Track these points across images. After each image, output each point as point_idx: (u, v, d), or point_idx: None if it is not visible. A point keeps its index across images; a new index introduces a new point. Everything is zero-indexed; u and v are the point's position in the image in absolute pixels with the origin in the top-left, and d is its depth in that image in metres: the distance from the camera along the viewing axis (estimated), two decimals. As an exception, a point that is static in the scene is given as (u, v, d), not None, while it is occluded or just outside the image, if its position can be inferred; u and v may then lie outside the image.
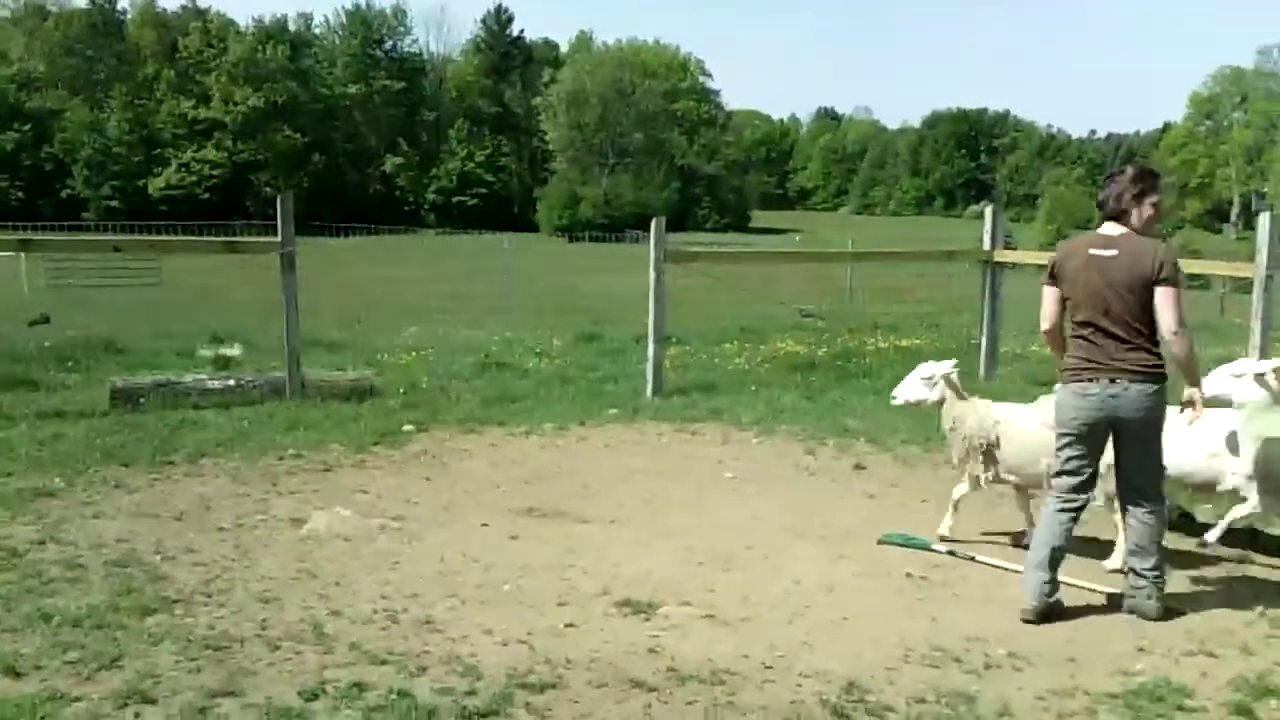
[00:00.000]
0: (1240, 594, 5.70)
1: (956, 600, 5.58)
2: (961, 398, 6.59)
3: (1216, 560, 6.22)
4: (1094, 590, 5.67)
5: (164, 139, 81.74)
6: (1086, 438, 5.30)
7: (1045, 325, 5.67)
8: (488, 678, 4.45)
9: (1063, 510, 5.35)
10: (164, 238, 36.77)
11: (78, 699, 4.17)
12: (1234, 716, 4.31)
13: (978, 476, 6.46)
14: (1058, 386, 5.47)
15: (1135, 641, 5.04)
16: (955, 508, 6.54)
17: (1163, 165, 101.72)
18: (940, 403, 6.58)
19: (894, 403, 6.82)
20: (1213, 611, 5.44)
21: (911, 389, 6.67)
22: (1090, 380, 5.23)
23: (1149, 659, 4.85)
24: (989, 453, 6.38)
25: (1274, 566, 6.13)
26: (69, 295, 23.49)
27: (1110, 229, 5.35)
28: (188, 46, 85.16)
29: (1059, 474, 5.40)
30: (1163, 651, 4.94)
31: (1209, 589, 5.78)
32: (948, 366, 6.64)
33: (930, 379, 6.61)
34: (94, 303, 20.57)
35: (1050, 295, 5.58)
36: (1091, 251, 5.30)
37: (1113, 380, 5.19)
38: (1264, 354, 9.51)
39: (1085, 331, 5.32)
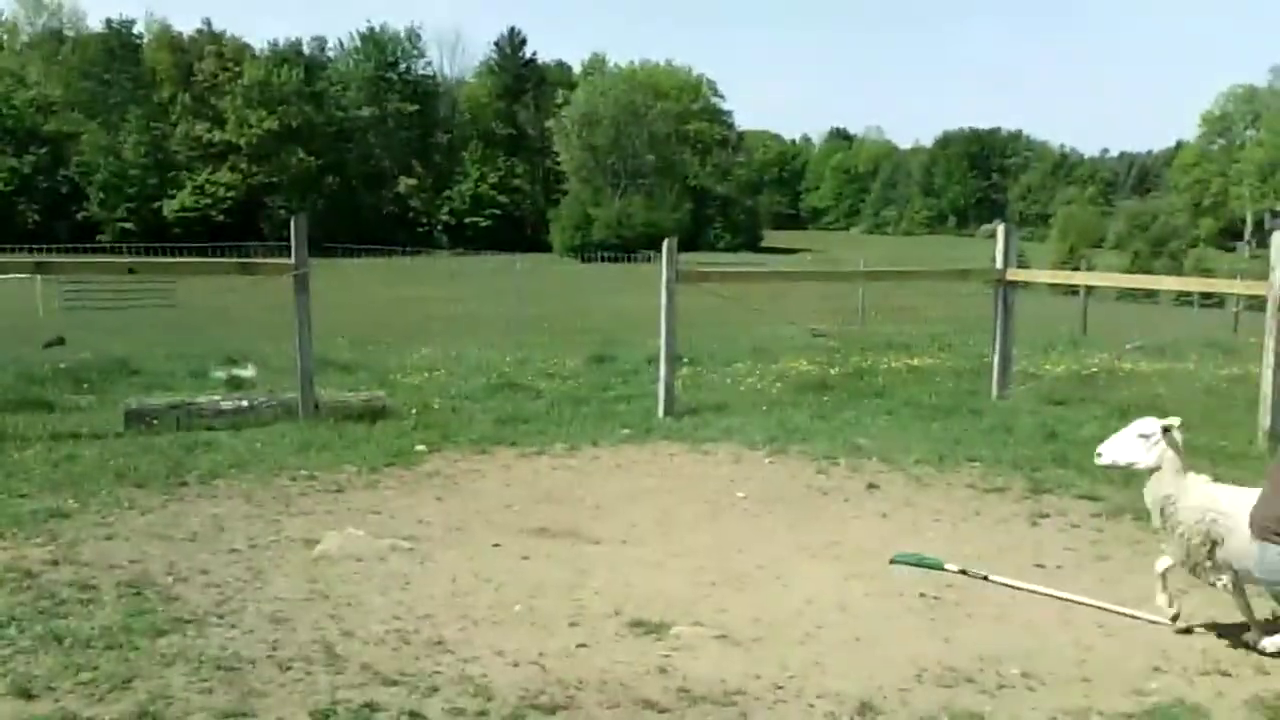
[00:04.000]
0: (1256, 614, 5.65)
1: (969, 620, 5.55)
2: (1180, 471, 5.39)
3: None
4: (1113, 610, 5.64)
5: (179, 161, 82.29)
6: None
7: None
8: (499, 698, 4.45)
9: None
10: (178, 259, 36.95)
11: (90, 720, 4.18)
12: (1250, 737, 4.28)
13: (1196, 565, 5.28)
14: None
15: (1150, 661, 5.01)
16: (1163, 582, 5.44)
17: (1175, 184, 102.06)
18: (1154, 470, 5.39)
19: (1099, 461, 5.58)
20: (1229, 631, 5.41)
21: (1124, 448, 5.46)
22: None
23: (1164, 679, 4.83)
24: (1211, 549, 5.22)
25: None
26: (83, 317, 23.61)
27: None
28: (203, 70, 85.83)
29: None
30: (1178, 671, 4.92)
31: (1225, 609, 5.74)
32: (1172, 423, 5.42)
33: (1149, 437, 5.40)
34: (108, 324, 20.66)
35: None
36: None
37: None
38: (1278, 375, 9.47)
39: None
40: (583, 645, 5.08)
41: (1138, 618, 5.54)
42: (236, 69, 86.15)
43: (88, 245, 60.38)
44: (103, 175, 78.06)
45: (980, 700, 4.57)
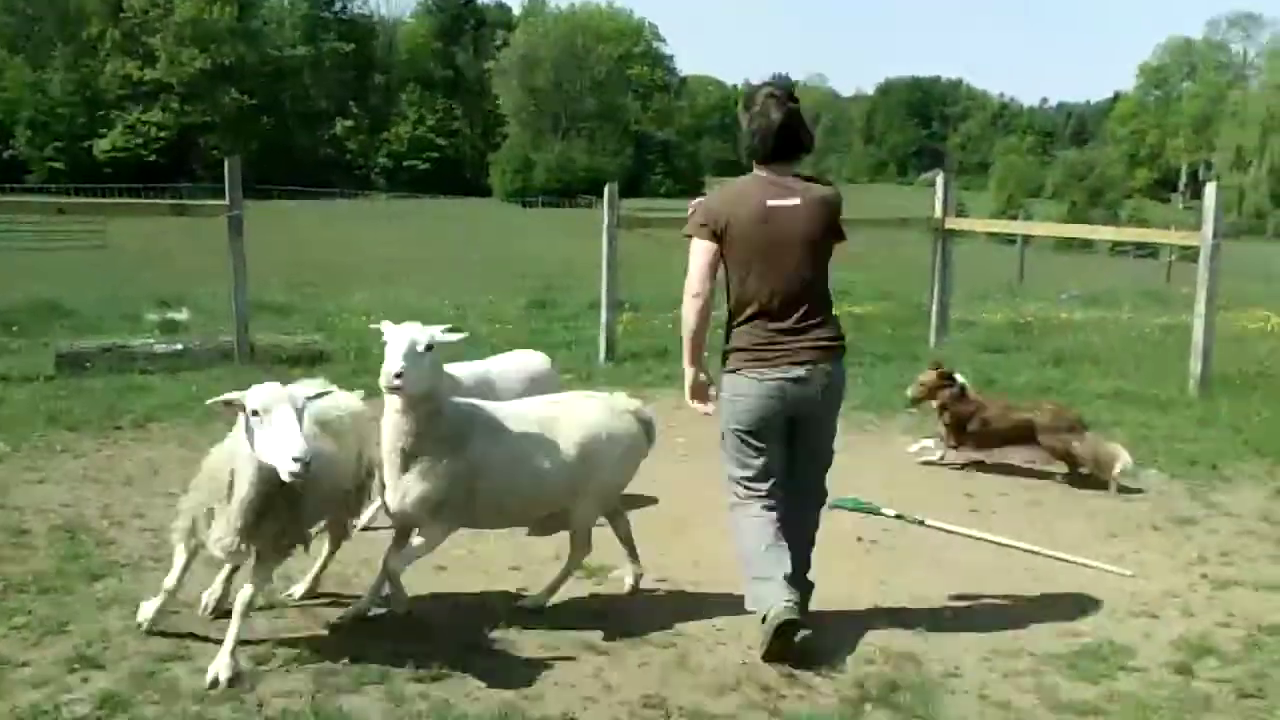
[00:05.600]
0: (1182, 557, 5.80)
1: (905, 564, 5.64)
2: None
3: (1160, 524, 6.33)
4: (1045, 554, 5.75)
5: (109, 100, 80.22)
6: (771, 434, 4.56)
7: (700, 288, 4.56)
8: (440, 641, 4.45)
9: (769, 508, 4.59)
10: (109, 200, 36.19)
11: (25, 664, 4.15)
12: (1175, 675, 4.40)
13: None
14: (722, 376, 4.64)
15: (1080, 604, 5.12)
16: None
17: (1114, 135, 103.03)
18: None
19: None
20: (1155, 574, 5.54)
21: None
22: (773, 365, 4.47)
23: (1093, 620, 4.94)
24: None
25: (1213, 530, 6.24)
26: (11, 259, 23.07)
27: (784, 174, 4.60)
28: (133, 6, 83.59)
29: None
30: (1107, 613, 5.03)
31: (1152, 553, 5.88)
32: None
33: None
34: (37, 266, 20.23)
35: (708, 251, 4.56)
36: (771, 203, 4.51)
37: (802, 364, 4.47)
38: (1209, 324, 9.64)
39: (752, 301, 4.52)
40: (523, 589, 5.10)
41: (1069, 561, 5.66)
42: (168, 5, 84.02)
43: (15, 185, 58.95)
44: (29, 113, 76.00)
45: (915, 642, 4.65)
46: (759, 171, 4.59)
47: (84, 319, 12.64)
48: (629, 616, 4.82)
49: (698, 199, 4.78)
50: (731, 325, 4.60)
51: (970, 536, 6.04)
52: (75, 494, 6.30)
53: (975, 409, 7.46)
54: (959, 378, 7.65)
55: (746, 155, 4.64)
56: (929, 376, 7.72)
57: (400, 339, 4.35)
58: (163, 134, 79.35)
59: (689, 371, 4.64)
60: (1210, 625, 4.89)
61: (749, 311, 4.51)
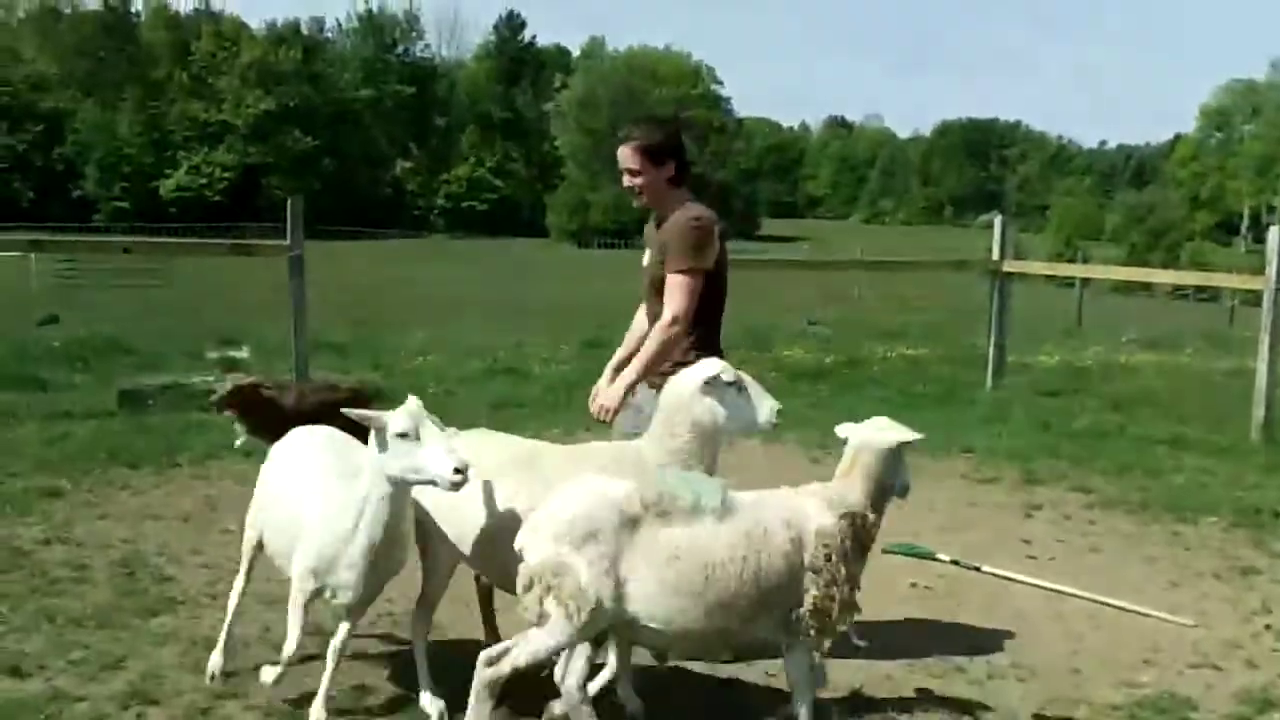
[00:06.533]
0: (1245, 607, 5.68)
1: (960, 610, 5.57)
2: None
3: (1222, 573, 6.21)
4: (1104, 602, 5.66)
5: (175, 141, 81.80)
6: None
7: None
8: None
9: None
10: (174, 239, 36.82)
11: (81, 699, 4.19)
12: (1238, 730, 4.30)
13: None
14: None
15: (1140, 653, 5.03)
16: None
17: (1174, 177, 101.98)
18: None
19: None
20: (1219, 624, 5.43)
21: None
22: None
23: (1154, 671, 4.85)
24: None
25: (1277, 580, 6.11)
26: (78, 295, 23.55)
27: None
28: (200, 49, 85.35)
29: None
30: (1168, 664, 4.94)
31: (1214, 603, 5.76)
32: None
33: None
34: (103, 303, 20.61)
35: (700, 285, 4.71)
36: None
37: None
38: (1273, 369, 9.49)
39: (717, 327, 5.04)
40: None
41: (1129, 610, 5.56)
42: (234, 48, 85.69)
43: (83, 224, 60.23)
44: (98, 154, 77.61)
45: (970, 690, 4.59)
46: (688, 192, 4.81)
47: (146, 356, 12.83)
48: (679, 661, 4.79)
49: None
50: (696, 350, 4.89)
51: (1027, 583, 5.95)
52: (134, 530, 6.38)
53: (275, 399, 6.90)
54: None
55: (689, 178, 4.86)
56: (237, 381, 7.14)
57: (434, 427, 3.75)
58: (227, 174, 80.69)
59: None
60: (1274, 677, 4.78)
61: (713, 333, 4.98)
